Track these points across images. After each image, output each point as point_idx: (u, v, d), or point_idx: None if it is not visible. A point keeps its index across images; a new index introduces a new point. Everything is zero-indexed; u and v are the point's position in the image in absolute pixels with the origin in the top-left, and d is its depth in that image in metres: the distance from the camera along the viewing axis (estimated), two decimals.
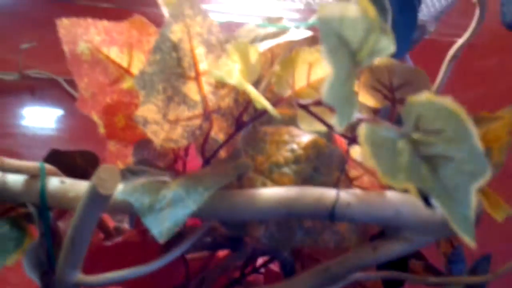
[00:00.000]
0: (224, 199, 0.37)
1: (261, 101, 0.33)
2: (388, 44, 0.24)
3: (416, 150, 0.25)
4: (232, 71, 0.33)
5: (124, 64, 0.41)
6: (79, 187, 0.38)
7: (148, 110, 0.37)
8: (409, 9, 0.41)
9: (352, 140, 0.35)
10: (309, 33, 0.40)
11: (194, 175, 0.37)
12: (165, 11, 0.36)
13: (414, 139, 0.26)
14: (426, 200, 0.24)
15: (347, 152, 0.40)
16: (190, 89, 0.38)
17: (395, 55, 0.45)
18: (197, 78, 0.38)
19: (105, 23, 0.39)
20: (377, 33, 0.23)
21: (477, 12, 0.43)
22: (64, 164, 0.44)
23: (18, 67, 0.63)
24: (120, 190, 0.35)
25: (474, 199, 0.24)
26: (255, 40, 0.42)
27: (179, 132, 0.39)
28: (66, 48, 0.38)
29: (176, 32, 0.36)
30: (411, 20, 0.42)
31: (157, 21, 0.39)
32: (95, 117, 0.41)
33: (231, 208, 0.36)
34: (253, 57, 0.38)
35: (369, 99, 0.42)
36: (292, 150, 0.40)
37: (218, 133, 0.44)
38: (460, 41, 0.46)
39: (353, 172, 0.41)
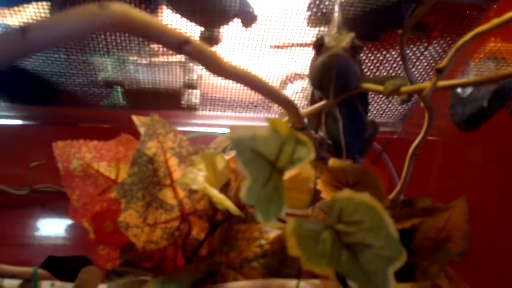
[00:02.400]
0: None
1: (223, 202, 0.39)
2: (306, 152, 0.30)
3: (338, 239, 0.30)
4: (196, 178, 0.39)
5: (112, 176, 0.48)
6: None
7: (129, 216, 0.43)
8: (357, 117, 0.48)
9: None
10: None
11: (170, 274, 0.42)
12: (141, 131, 0.44)
13: (336, 229, 0.30)
14: (343, 282, 0.28)
15: None
16: (166, 195, 0.44)
17: (351, 153, 0.51)
18: (172, 185, 0.44)
19: (94, 143, 0.47)
20: (291, 145, 0.29)
21: (426, 115, 0.49)
22: (60, 269, 0.49)
23: (28, 183, 0.71)
24: None
25: (391, 281, 0.28)
26: (226, 149, 0.49)
27: (158, 234, 0.44)
28: (60, 166, 0.45)
29: (151, 148, 0.42)
30: (360, 125, 0.49)
31: None
32: (86, 224, 0.46)
33: None
34: (220, 164, 0.44)
35: (330, 194, 0.47)
36: (261, 245, 0.44)
37: (200, 233, 0.49)
38: (416, 141, 0.52)
39: None
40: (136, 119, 0.45)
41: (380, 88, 0.42)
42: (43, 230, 0.79)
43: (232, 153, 0.48)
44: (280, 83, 0.70)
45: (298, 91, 0.69)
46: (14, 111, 0.65)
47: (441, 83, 0.38)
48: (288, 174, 0.48)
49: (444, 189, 0.71)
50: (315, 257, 0.28)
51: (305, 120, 0.46)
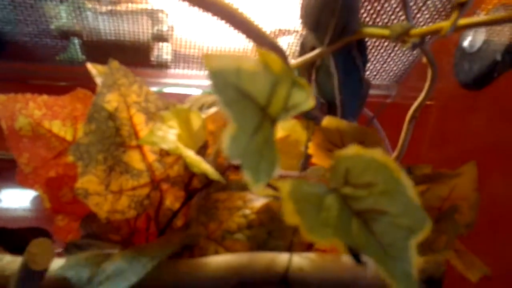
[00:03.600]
0: (169, 269, 0.34)
1: (199, 165, 0.33)
2: (304, 98, 0.24)
3: (346, 205, 0.24)
4: (166, 136, 0.33)
5: (68, 137, 0.41)
6: (16, 264, 0.36)
7: (88, 182, 0.36)
8: (353, 71, 0.42)
9: None
10: None
11: (140, 247, 0.36)
12: (99, 81, 0.36)
13: (343, 193, 0.24)
14: (356, 257, 0.23)
15: None
16: (132, 158, 0.38)
17: (348, 112, 0.46)
18: (139, 146, 0.38)
19: (45, 98, 0.39)
20: (286, 87, 0.23)
21: (429, 73, 0.43)
22: (14, 242, 0.43)
23: None
24: (58, 265, 0.33)
25: (414, 255, 0.23)
26: (202, 107, 0.42)
27: (125, 203, 0.38)
28: (3, 124, 0.38)
29: (111, 101, 0.36)
30: (357, 81, 0.43)
31: None
32: (40, 191, 0.40)
33: (177, 278, 0.34)
34: (196, 123, 0.38)
35: (323, 160, 0.41)
36: (245, 216, 0.38)
37: (174, 203, 0.43)
38: (416, 103, 0.47)
39: None
40: (92, 67, 0.38)
41: (385, 31, 0.36)
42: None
43: (210, 111, 0.42)
44: None
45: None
46: None
47: (462, 21, 0.32)
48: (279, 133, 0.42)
49: (442, 159, 0.67)
50: (319, 226, 0.23)
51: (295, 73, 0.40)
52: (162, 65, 0.62)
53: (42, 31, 0.51)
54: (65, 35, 0.53)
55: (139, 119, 0.37)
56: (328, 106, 0.44)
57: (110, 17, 0.53)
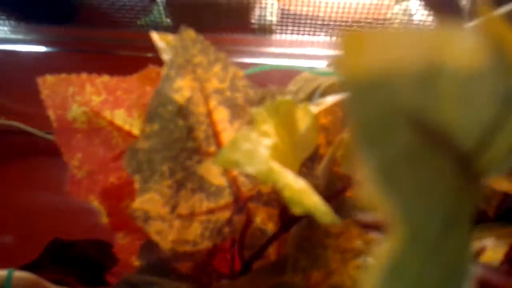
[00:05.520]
0: None
1: (304, 203, 0.21)
2: None
3: None
4: (256, 152, 0.21)
5: (135, 131, 0.31)
6: None
7: (149, 201, 0.27)
8: None
9: None
10: None
11: None
12: (165, 58, 0.26)
13: None
14: None
15: None
16: (210, 170, 0.27)
17: None
18: None
19: (105, 78, 0.30)
20: None
21: None
22: (73, 255, 0.36)
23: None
24: None
25: None
26: (314, 94, 0.30)
27: (197, 230, 0.28)
28: (52, 114, 0.30)
29: (182, 89, 0.25)
30: None
31: None
32: (95, 202, 0.31)
33: None
34: (303, 121, 0.25)
35: None
36: (366, 266, 0.26)
37: (266, 222, 0.32)
38: None
39: None
40: (156, 36, 0.27)
41: None
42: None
43: (328, 101, 0.29)
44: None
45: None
46: (22, 33, 0.50)
47: None
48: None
49: None
50: None
51: None
52: (265, 30, 0.50)
53: None
54: None
55: (221, 115, 0.26)
56: None
57: None
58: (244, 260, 0.32)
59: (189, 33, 0.24)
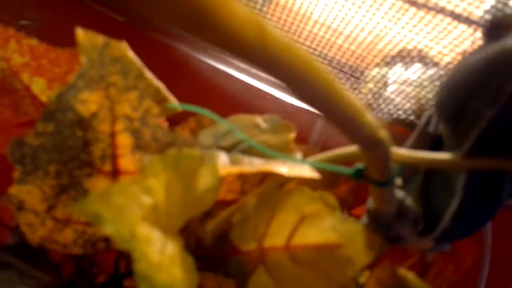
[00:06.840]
0: None
1: (156, 280, 0.19)
2: None
3: None
4: (125, 208, 0.20)
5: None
6: None
7: (27, 193, 0.25)
8: (487, 200, 0.25)
9: None
10: (317, 175, 0.25)
11: None
12: (83, 60, 0.23)
13: None
14: None
15: None
16: (98, 186, 0.25)
17: (446, 238, 0.29)
18: (114, 176, 0.25)
19: (33, 42, 0.27)
20: None
21: None
22: None
23: None
24: None
25: None
26: (235, 147, 0.28)
27: (70, 237, 0.27)
28: None
29: (88, 102, 0.23)
30: (484, 214, 0.26)
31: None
32: None
33: None
34: (205, 182, 0.24)
35: None
36: None
37: None
38: None
39: None
40: (81, 32, 0.24)
41: None
42: None
43: (253, 163, 0.27)
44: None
45: (400, 81, 0.44)
46: None
47: None
48: (314, 236, 0.26)
49: None
50: None
51: (393, 167, 0.24)
52: None
53: None
54: None
55: (125, 141, 0.24)
56: (425, 221, 0.28)
57: None
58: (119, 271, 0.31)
59: (115, 51, 0.22)
